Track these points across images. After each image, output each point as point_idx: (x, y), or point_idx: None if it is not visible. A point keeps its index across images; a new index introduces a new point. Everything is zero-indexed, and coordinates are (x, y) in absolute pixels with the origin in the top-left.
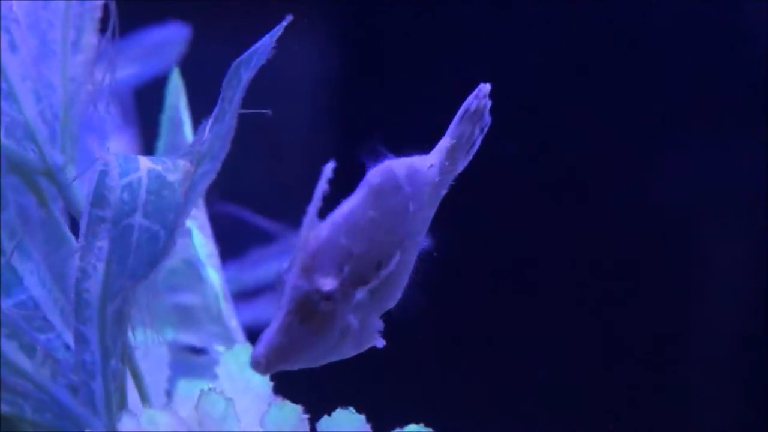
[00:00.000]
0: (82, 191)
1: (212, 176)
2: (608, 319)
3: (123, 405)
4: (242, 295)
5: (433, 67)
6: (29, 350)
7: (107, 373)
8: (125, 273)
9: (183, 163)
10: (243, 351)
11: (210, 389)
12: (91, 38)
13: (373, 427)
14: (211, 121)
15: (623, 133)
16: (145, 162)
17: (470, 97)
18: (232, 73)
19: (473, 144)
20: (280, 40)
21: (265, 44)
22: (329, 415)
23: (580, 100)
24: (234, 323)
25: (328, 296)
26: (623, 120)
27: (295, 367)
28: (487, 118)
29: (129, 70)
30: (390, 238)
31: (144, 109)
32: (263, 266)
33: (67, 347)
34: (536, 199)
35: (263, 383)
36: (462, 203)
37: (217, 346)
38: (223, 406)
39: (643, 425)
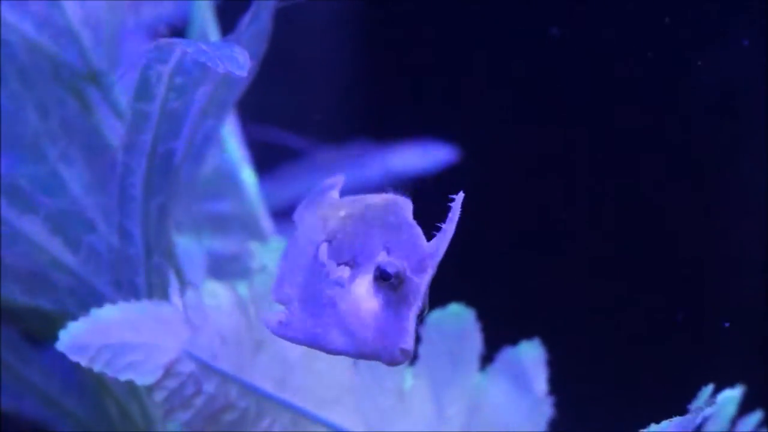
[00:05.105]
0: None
1: (252, 76)
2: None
3: (166, 300)
4: (274, 213)
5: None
6: (74, 246)
7: (150, 267)
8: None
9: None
10: (276, 243)
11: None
12: None
13: None
14: (248, 18)
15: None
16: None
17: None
18: None
19: None
20: None
21: None
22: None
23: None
24: (268, 225)
25: None
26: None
27: None
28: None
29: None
30: None
31: None
32: (294, 183)
33: (111, 248)
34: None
35: None
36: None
37: (251, 243)
38: None
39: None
